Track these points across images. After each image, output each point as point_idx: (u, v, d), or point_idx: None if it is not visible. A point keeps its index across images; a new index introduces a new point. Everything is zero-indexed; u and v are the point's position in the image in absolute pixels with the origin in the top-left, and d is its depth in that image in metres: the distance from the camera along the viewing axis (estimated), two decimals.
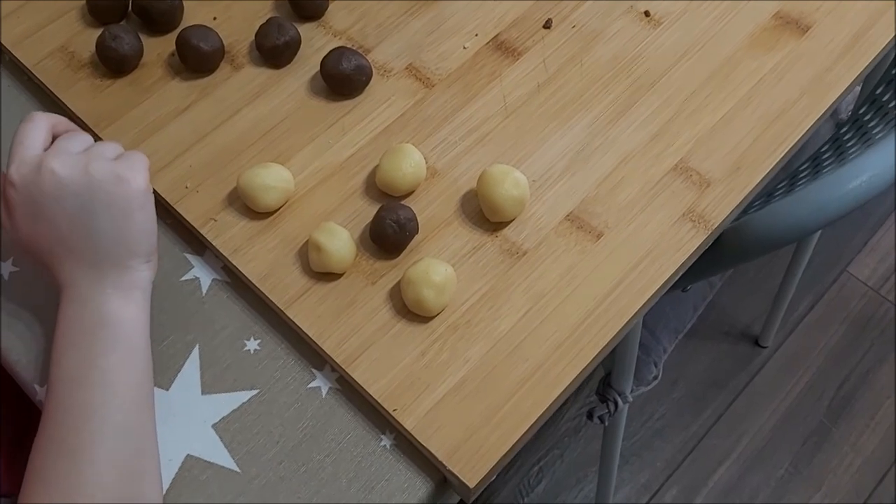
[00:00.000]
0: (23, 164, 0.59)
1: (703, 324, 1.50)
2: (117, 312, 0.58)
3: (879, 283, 1.56)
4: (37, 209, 0.58)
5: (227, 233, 0.68)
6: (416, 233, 0.67)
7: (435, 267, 0.63)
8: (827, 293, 1.55)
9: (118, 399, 0.56)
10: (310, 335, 0.64)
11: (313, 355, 0.65)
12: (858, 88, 0.99)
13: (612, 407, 0.96)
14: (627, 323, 0.64)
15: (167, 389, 0.63)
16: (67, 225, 0.58)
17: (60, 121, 0.63)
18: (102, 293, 0.58)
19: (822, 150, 0.88)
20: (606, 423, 1.00)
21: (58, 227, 0.58)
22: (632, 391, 0.96)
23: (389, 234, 0.65)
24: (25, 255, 0.64)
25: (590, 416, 0.99)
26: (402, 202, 0.69)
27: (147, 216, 0.60)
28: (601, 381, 0.96)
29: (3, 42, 0.79)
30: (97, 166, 0.58)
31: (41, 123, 0.61)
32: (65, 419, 0.55)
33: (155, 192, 0.70)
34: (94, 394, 0.55)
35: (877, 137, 0.79)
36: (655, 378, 0.99)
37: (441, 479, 0.60)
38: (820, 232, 1.20)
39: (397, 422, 0.60)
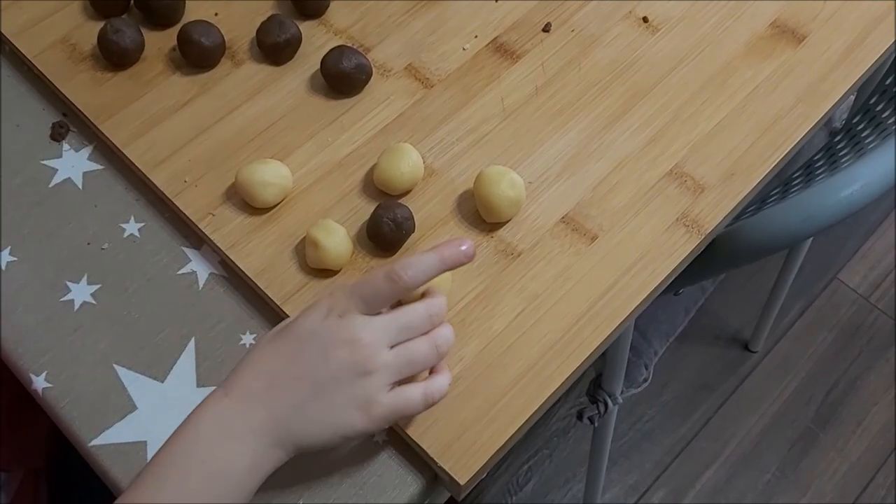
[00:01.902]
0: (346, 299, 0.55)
1: (694, 328, 1.51)
2: (241, 473, 0.53)
3: (869, 291, 1.57)
4: (301, 342, 0.55)
5: (225, 227, 0.69)
6: (413, 231, 0.67)
7: None
8: (817, 300, 1.56)
9: None
10: None
11: None
12: (852, 97, 1.00)
13: (601, 408, 0.97)
14: (619, 325, 0.65)
15: (162, 382, 0.64)
16: (292, 371, 0.54)
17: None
18: (253, 450, 0.53)
19: (816, 158, 0.89)
20: (596, 424, 1.00)
21: (280, 362, 0.55)
22: (622, 393, 0.97)
23: (386, 232, 0.66)
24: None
25: (579, 416, 1.00)
26: (400, 201, 0.69)
27: (344, 444, 0.56)
28: (592, 382, 0.97)
29: (4, 32, 0.79)
30: (371, 381, 0.54)
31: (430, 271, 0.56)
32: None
33: (153, 185, 0.71)
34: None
35: (869, 147, 0.80)
36: (646, 380, 0.99)
37: (432, 476, 0.61)
38: (811, 239, 1.21)
39: None
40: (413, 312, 0.57)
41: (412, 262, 0.56)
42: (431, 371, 0.59)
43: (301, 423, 0.54)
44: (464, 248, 0.58)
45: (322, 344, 0.54)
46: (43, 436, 0.87)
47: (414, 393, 0.56)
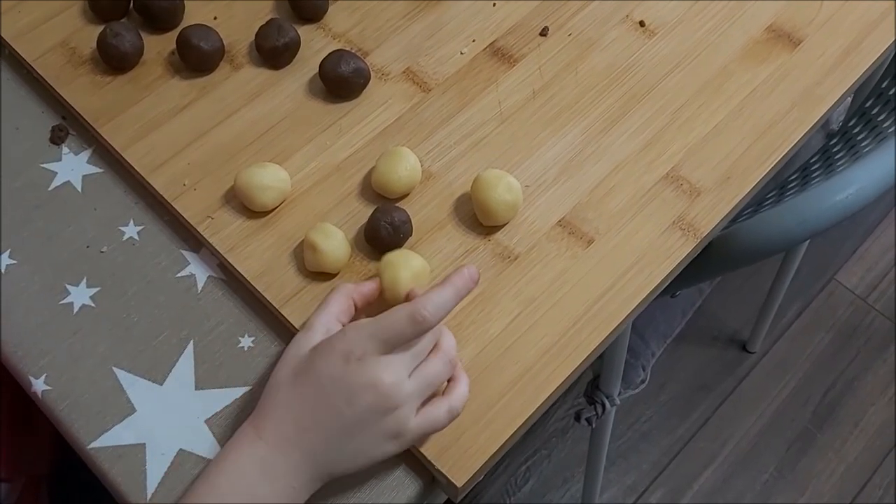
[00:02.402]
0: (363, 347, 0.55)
1: (691, 329, 1.51)
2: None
3: (867, 292, 1.58)
4: (322, 384, 0.56)
5: (224, 231, 0.69)
6: (410, 235, 0.68)
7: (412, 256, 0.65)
8: (815, 301, 1.57)
9: None
10: None
11: None
12: (849, 100, 1.00)
13: (599, 409, 0.97)
14: (616, 328, 0.65)
15: (161, 384, 0.64)
16: (319, 417, 0.56)
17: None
18: (293, 488, 0.55)
19: (812, 161, 0.89)
20: (594, 425, 1.01)
21: (305, 408, 0.56)
22: (619, 394, 0.97)
23: (383, 235, 0.66)
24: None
25: (577, 417, 1.00)
26: (397, 204, 0.70)
27: (372, 463, 0.58)
28: (589, 384, 0.97)
29: (3, 36, 0.79)
30: (398, 415, 0.56)
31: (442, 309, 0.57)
32: None
33: (152, 188, 0.71)
34: None
35: (865, 150, 0.81)
36: (643, 381, 1.00)
37: (430, 479, 0.61)
38: (808, 240, 1.21)
39: None
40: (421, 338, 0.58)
41: (430, 299, 0.57)
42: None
43: (336, 459, 0.56)
44: (471, 274, 0.59)
45: (345, 391, 0.55)
46: (45, 443, 0.86)
47: (439, 412, 0.58)
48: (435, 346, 0.59)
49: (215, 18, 0.80)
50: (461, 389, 0.59)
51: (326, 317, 0.60)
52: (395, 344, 0.56)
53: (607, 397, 0.96)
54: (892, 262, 1.60)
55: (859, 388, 1.48)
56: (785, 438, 1.44)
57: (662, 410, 1.46)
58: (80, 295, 0.68)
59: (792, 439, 1.44)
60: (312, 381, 0.56)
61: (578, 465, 1.40)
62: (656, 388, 1.47)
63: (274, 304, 0.66)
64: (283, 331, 0.66)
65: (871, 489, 1.39)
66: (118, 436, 0.62)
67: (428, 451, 0.60)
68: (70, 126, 0.76)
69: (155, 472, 0.61)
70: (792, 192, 0.81)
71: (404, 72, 0.78)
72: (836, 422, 1.45)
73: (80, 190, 0.73)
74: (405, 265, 0.64)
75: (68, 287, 0.68)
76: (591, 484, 1.23)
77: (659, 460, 1.42)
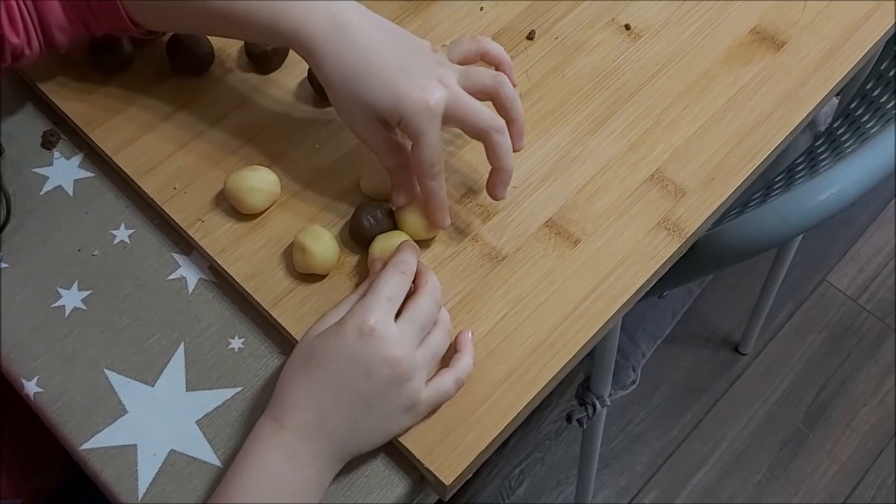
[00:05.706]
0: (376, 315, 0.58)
1: (683, 330, 1.52)
2: (312, 494, 0.58)
3: (858, 293, 1.58)
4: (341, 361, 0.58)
5: (214, 233, 0.70)
6: (394, 228, 0.68)
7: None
8: (806, 302, 1.57)
9: None
10: (293, 335, 0.65)
11: None
12: (836, 101, 1.01)
13: (590, 410, 0.98)
14: (602, 328, 0.66)
15: (152, 385, 0.65)
16: (339, 398, 0.58)
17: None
18: (319, 472, 0.58)
19: (797, 161, 0.90)
20: (585, 426, 1.01)
21: (325, 390, 0.58)
22: (610, 395, 0.98)
23: (366, 226, 0.67)
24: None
25: (568, 419, 1.01)
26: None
27: (389, 438, 0.60)
28: (580, 385, 0.98)
29: None
30: (411, 387, 0.59)
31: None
32: None
33: (143, 192, 0.72)
34: None
35: (847, 151, 0.81)
36: (634, 382, 1.01)
37: (418, 477, 0.61)
38: (800, 240, 1.22)
39: None
40: (426, 309, 0.61)
41: (403, 252, 0.63)
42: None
43: (358, 438, 0.59)
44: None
45: (363, 366, 0.58)
46: (52, 461, 0.86)
47: (447, 382, 0.61)
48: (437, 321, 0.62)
49: None
50: (466, 360, 0.62)
51: (339, 310, 0.61)
52: (398, 297, 0.60)
53: (598, 398, 0.97)
54: (883, 264, 1.61)
55: (851, 389, 1.49)
56: (777, 439, 1.45)
57: (655, 412, 1.47)
58: (71, 298, 0.68)
59: (784, 440, 1.45)
60: (329, 362, 0.58)
61: (572, 467, 1.40)
62: (649, 390, 1.48)
63: (264, 305, 0.66)
64: (274, 332, 0.67)
65: (864, 489, 1.40)
66: (110, 437, 0.63)
67: (416, 449, 0.60)
68: (61, 131, 0.77)
69: (146, 472, 0.61)
70: (777, 192, 0.82)
71: None
72: (829, 422, 1.46)
73: (71, 194, 0.74)
74: (390, 236, 0.66)
75: (60, 290, 0.69)
76: (584, 486, 1.24)
77: (652, 462, 1.43)
